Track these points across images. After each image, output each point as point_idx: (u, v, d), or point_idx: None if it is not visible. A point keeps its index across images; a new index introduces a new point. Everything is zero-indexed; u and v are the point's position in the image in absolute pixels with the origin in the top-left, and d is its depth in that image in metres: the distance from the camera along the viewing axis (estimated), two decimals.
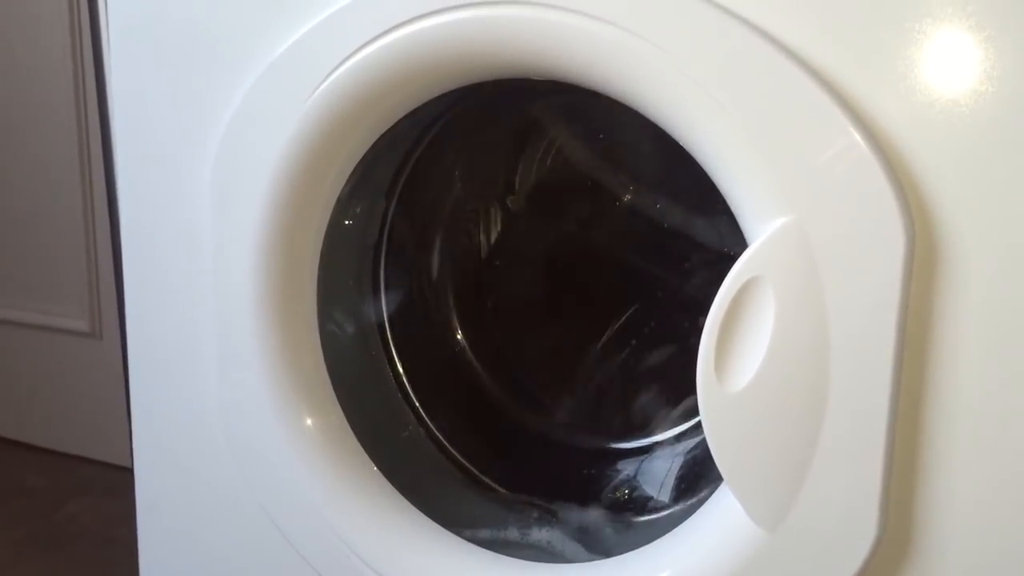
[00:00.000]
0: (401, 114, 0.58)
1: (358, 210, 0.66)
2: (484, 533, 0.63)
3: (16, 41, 1.27)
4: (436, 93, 0.57)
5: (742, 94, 0.46)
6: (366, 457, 0.64)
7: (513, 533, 0.63)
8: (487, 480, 0.69)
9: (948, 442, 0.46)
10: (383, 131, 0.59)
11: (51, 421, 1.38)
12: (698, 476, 0.61)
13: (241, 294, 0.62)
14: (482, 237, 0.80)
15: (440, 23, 0.52)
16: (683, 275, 0.72)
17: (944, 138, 0.44)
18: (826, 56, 0.45)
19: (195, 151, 0.63)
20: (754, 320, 0.47)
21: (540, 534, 0.63)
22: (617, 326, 0.77)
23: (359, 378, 0.68)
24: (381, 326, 0.71)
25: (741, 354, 0.47)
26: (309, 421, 0.63)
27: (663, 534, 0.55)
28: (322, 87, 0.56)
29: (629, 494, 0.66)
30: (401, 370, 0.72)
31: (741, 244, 0.48)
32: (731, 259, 0.47)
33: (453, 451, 0.71)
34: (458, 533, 0.62)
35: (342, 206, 0.62)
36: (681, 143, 0.50)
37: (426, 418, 0.72)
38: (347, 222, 0.65)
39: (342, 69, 0.55)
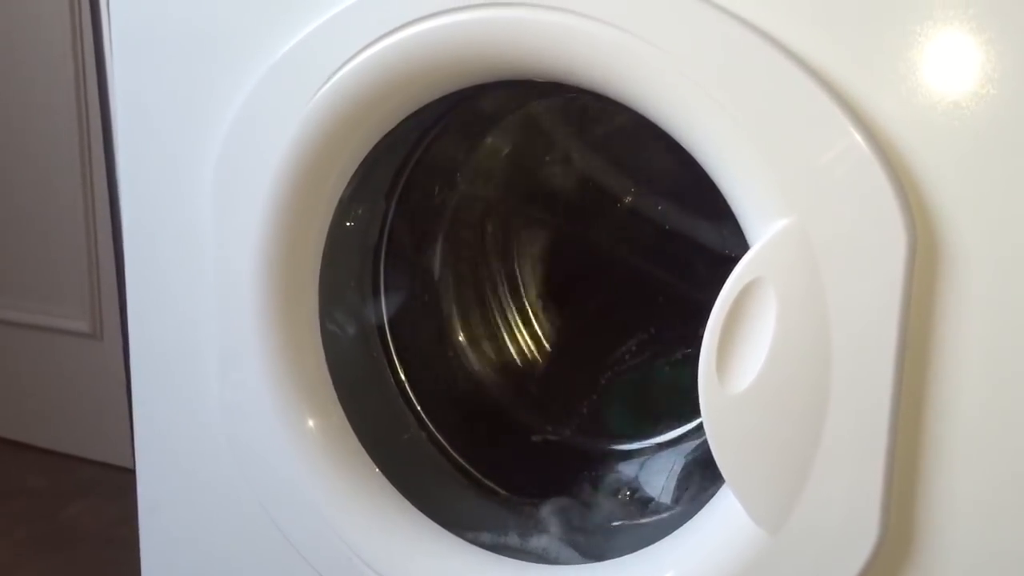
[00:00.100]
0: (403, 116, 0.59)
1: (359, 211, 0.66)
2: (485, 534, 0.63)
3: (17, 41, 1.27)
4: (437, 95, 0.57)
5: (743, 95, 0.46)
6: (367, 458, 0.64)
7: (514, 535, 0.63)
8: (488, 482, 0.69)
9: (950, 443, 0.46)
10: (385, 133, 0.59)
11: (51, 422, 1.38)
12: (700, 477, 0.61)
13: (243, 295, 0.62)
14: (483, 238, 0.80)
15: (441, 25, 0.52)
16: (685, 276, 0.72)
17: (945, 139, 0.44)
18: (827, 57, 0.45)
19: (197, 152, 0.63)
20: (756, 321, 0.47)
21: (541, 535, 0.63)
22: (619, 327, 0.77)
23: (360, 379, 0.68)
24: (382, 327, 0.71)
25: (743, 355, 0.47)
26: (310, 422, 0.63)
27: (664, 535, 0.55)
28: (324, 89, 0.56)
29: (630, 495, 0.66)
30: (402, 371, 0.72)
31: (743, 246, 0.48)
32: (732, 261, 0.47)
33: (454, 453, 0.71)
34: (459, 534, 0.62)
35: (343, 207, 0.62)
36: (682, 144, 0.50)
37: (427, 420, 0.72)
38: (348, 223, 0.65)
39: (344, 71, 0.55)
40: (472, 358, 0.78)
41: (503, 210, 0.79)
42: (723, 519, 0.51)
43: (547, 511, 0.66)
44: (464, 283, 0.79)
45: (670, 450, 0.69)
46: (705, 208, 0.70)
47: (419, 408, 0.72)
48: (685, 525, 0.55)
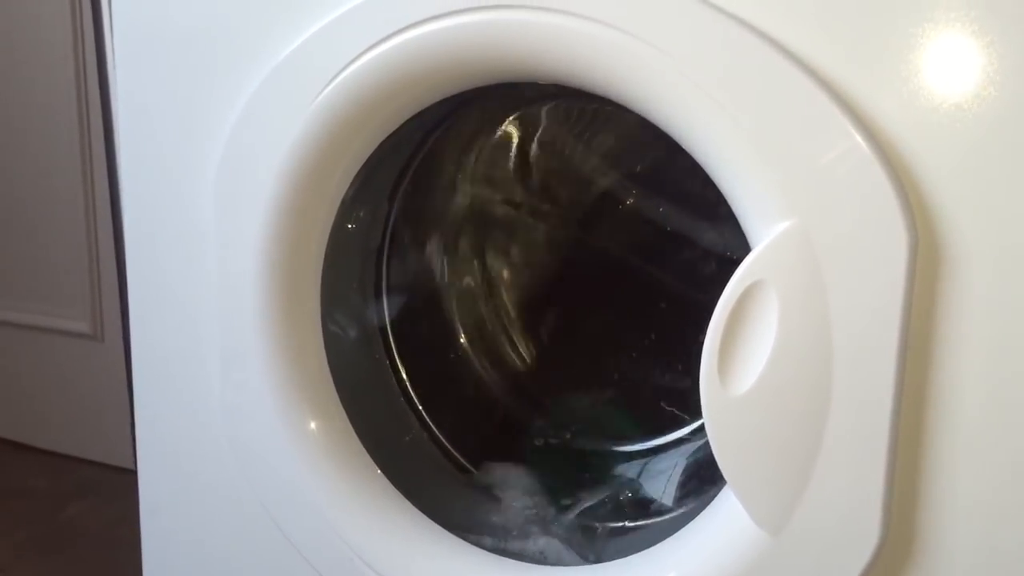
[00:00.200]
0: (405, 117, 0.59)
1: (361, 213, 0.66)
2: (486, 536, 0.63)
3: (18, 41, 1.27)
4: (439, 97, 0.57)
5: (744, 97, 0.46)
6: (368, 459, 0.64)
7: (516, 536, 0.63)
8: (489, 483, 0.69)
9: (951, 443, 0.46)
10: (387, 134, 0.59)
11: (52, 423, 1.38)
12: (701, 479, 0.61)
13: (244, 296, 0.62)
14: (484, 240, 0.80)
15: (444, 27, 0.52)
16: (686, 278, 0.72)
17: (946, 140, 0.44)
18: (828, 59, 0.45)
19: (199, 153, 0.63)
20: (757, 323, 0.47)
21: (543, 537, 0.63)
22: (620, 329, 0.77)
23: (362, 381, 0.68)
24: (384, 329, 0.71)
25: (744, 357, 0.47)
26: (312, 423, 0.63)
27: (666, 537, 0.55)
28: (327, 90, 0.56)
29: (632, 497, 0.66)
30: (404, 373, 0.72)
31: (744, 247, 0.48)
32: (734, 263, 0.47)
33: (456, 454, 0.71)
34: (461, 536, 0.62)
35: (345, 209, 0.63)
36: (684, 146, 0.50)
37: (429, 421, 0.72)
38: (350, 225, 0.65)
39: (346, 73, 0.55)
40: (474, 360, 0.78)
41: (505, 212, 0.79)
42: (725, 521, 0.51)
43: (548, 512, 0.66)
44: (466, 285, 0.79)
45: (671, 452, 0.69)
46: (706, 210, 0.70)
47: (421, 409, 0.72)
48: (686, 527, 0.55)
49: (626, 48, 0.48)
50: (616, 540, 0.62)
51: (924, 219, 0.45)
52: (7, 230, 1.35)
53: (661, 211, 0.74)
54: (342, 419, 0.64)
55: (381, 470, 0.64)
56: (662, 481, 0.66)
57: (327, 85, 0.56)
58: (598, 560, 0.59)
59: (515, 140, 0.76)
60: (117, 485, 1.28)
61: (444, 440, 0.71)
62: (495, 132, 0.74)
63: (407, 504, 0.63)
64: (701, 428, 0.61)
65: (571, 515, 0.65)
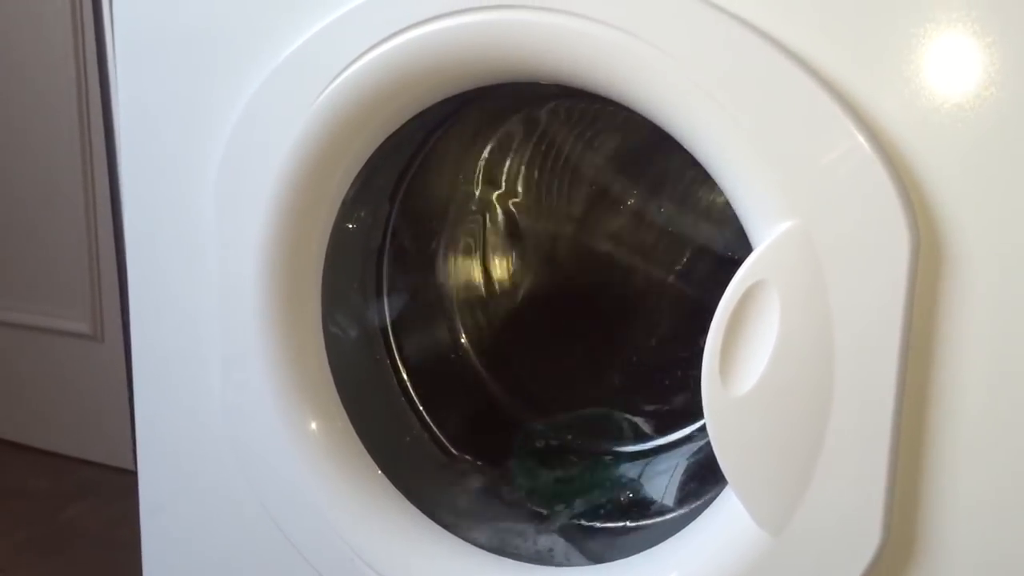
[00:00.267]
0: (406, 117, 0.59)
1: (362, 214, 0.66)
2: (487, 536, 0.63)
3: (18, 41, 1.27)
4: (440, 97, 0.57)
5: (746, 97, 0.46)
6: (370, 460, 0.64)
7: (516, 536, 0.63)
8: (490, 483, 0.69)
9: (953, 444, 0.46)
10: (388, 135, 0.59)
11: (52, 423, 1.38)
12: (702, 479, 0.61)
13: (245, 297, 0.62)
14: (485, 241, 0.80)
15: (445, 27, 0.52)
16: (688, 277, 0.72)
17: (948, 140, 0.44)
18: (830, 59, 0.45)
19: (200, 153, 0.63)
20: (759, 324, 0.47)
21: (543, 537, 0.63)
22: (622, 329, 0.77)
23: (363, 381, 0.68)
24: (384, 329, 0.71)
25: (746, 357, 0.47)
26: (313, 424, 0.63)
27: (667, 538, 0.55)
28: (327, 91, 0.56)
29: (633, 497, 0.66)
30: (404, 373, 0.72)
31: (745, 247, 0.48)
32: (736, 263, 0.47)
33: (456, 454, 0.71)
34: (461, 536, 0.62)
35: (346, 209, 0.63)
36: (685, 147, 0.50)
37: (429, 421, 0.72)
38: (351, 225, 0.65)
39: (347, 73, 0.55)
40: (474, 360, 0.78)
41: (505, 212, 0.79)
42: (726, 521, 0.51)
43: (549, 513, 0.66)
44: (467, 285, 0.79)
45: (672, 452, 0.69)
46: (708, 210, 0.70)
47: (421, 409, 0.72)
48: (688, 527, 0.55)
49: (628, 48, 0.48)
50: (617, 540, 0.62)
51: (926, 219, 0.45)
52: (7, 230, 1.35)
53: (662, 211, 0.74)
54: (343, 419, 0.64)
55: (381, 470, 0.64)
56: (663, 481, 0.66)
57: (328, 85, 0.56)
58: (599, 560, 0.59)
59: (516, 140, 0.76)
60: (117, 486, 1.28)
61: (444, 440, 0.71)
62: (496, 132, 0.74)
63: (407, 504, 0.63)
64: (702, 428, 0.61)
65: (572, 516, 0.65)
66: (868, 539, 0.47)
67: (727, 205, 0.49)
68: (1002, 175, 0.44)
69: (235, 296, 0.62)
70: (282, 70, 0.58)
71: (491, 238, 0.80)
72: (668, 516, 0.62)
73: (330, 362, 0.64)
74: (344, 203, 0.62)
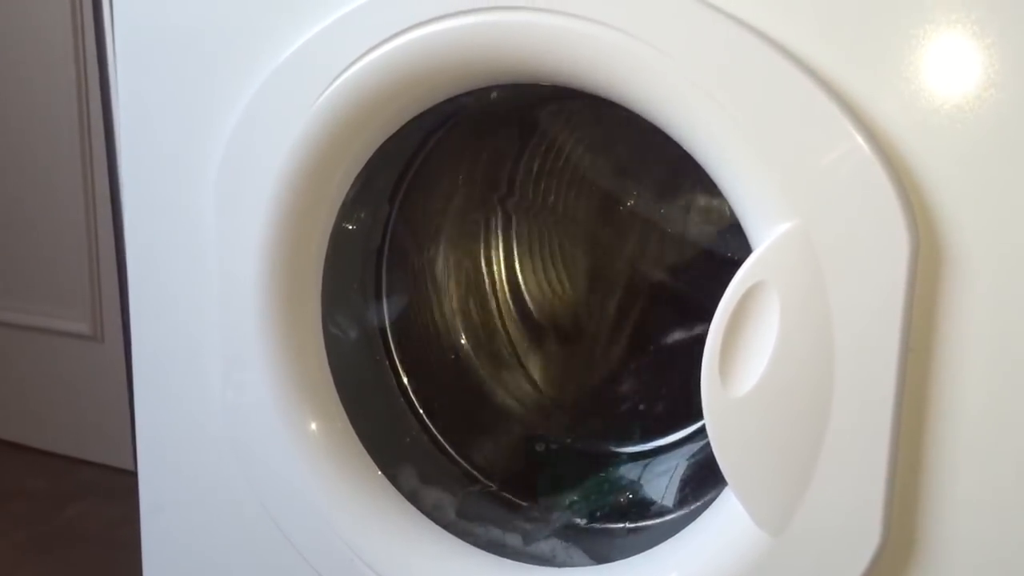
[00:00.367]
0: (406, 119, 0.59)
1: (362, 215, 0.66)
2: (487, 537, 0.63)
3: (18, 42, 1.28)
4: (441, 98, 0.57)
5: (745, 98, 0.46)
6: (370, 460, 0.64)
7: (516, 537, 0.63)
8: (490, 484, 0.69)
9: (953, 444, 0.46)
10: (388, 136, 0.59)
11: (51, 424, 1.38)
12: (702, 480, 0.61)
13: (245, 297, 0.62)
14: (485, 242, 0.80)
15: (445, 29, 0.52)
16: (688, 278, 0.72)
17: (947, 141, 0.44)
18: (829, 60, 0.46)
19: (200, 154, 0.63)
20: (758, 324, 0.47)
21: (543, 537, 0.63)
22: (622, 330, 0.77)
23: (362, 382, 0.68)
24: (384, 330, 0.71)
25: (745, 358, 0.47)
26: (313, 424, 0.63)
27: (667, 538, 0.55)
28: (327, 92, 0.56)
29: (633, 498, 0.66)
30: (404, 374, 0.72)
31: (745, 248, 0.48)
32: (736, 264, 0.47)
33: (456, 455, 0.71)
34: (461, 536, 0.62)
35: (346, 210, 0.63)
36: (685, 147, 0.50)
37: (429, 422, 0.72)
38: (350, 226, 0.65)
39: (347, 74, 0.55)
40: (474, 361, 0.78)
41: (505, 214, 0.79)
42: (726, 522, 0.51)
43: (549, 513, 0.66)
44: (466, 286, 0.79)
45: (672, 453, 0.69)
46: (708, 211, 0.70)
47: (421, 411, 0.72)
48: (687, 528, 0.55)
49: (627, 49, 0.48)
50: (617, 541, 0.62)
51: (925, 220, 0.45)
52: (7, 230, 1.35)
53: (662, 212, 0.74)
54: (343, 420, 0.64)
55: (382, 471, 0.64)
56: (663, 482, 0.66)
57: (328, 86, 0.56)
58: (599, 561, 0.59)
59: (516, 142, 0.76)
60: (117, 486, 1.28)
61: (444, 441, 0.71)
62: (496, 133, 0.74)
63: (407, 505, 0.63)
64: (702, 429, 0.61)
65: (572, 516, 0.65)
66: (868, 539, 0.47)
67: (727, 206, 0.49)
68: (1002, 176, 0.44)
69: (235, 296, 0.62)
70: (282, 71, 0.58)
71: (491, 239, 0.80)
72: (667, 517, 0.62)
73: (330, 363, 0.64)
74: (344, 204, 0.62)
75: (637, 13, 0.48)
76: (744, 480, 0.49)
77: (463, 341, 0.78)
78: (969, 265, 0.45)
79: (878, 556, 0.47)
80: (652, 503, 0.65)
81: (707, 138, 0.48)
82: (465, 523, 0.64)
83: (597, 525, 0.64)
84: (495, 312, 0.80)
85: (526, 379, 0.79)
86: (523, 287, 0.81)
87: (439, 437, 0.71)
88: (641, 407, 0.74)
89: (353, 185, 0.61)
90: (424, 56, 0.54)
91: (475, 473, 0.70)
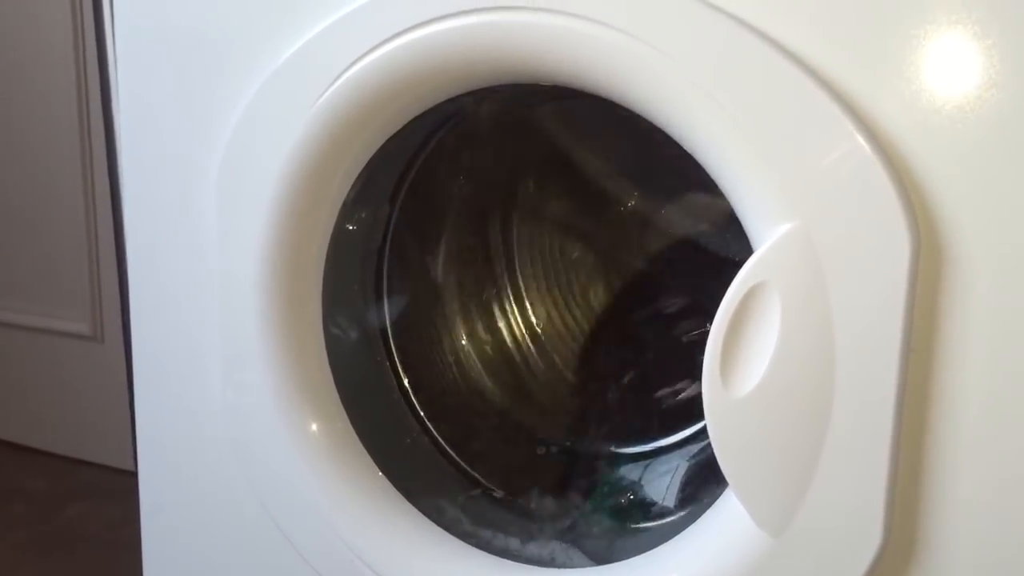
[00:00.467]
0: (407, 119, 0.59)
1: (362, 215, 0.66)
2: (488, 538, 0.63)
3: (18, 41, 1.28)
4: (442, 98, 0.57)
5: (746, 98, 0.46)
6: (370, 461, 0.64)
7: (516, 538, 0.63)
8: (490, 485, 0.69)
9: (954, 445, 0.46)
10: (389, 136, 0.59)
11: (51, 424, 1.38)
12: (703, 481, 0.61)
13: (246, 298, 0.62)
14: (486, 243, 0.80)
15: (445, 29, 0.52)
16: (688, 279, 0.72)
17: (948, 141, 0.44)
18: (830, 60, 0.45)
19: (200, 154, 0.63)
20: (759, 325, 0.47)
21: (543, 539, 0.63)
22: (622, 331, 0.77)
23: (363, 383, 0.68)
24: (385, 331, 0.71)
25: (746, 359, 0.47)
26: (313, 425, 0.63)
27: (667, 539, 0.55)
28: (328, 92, 0.56)
29: (634, 499, 0.66)
30: (404, 375, 0.72)
31: (746, 249, 0.48)
32: (737, 265, 0.47)
33: (456, 456, 0.71)
34: (461, 538, 0.62)
35: (347, 211, 0.63)
36: (685, 148, 0.50)
37: (429, 424, 0.72)
38: (350, 227, 0.65)
39: (348, 74, 0.55)
40: (475, 362, 0.78)
41: (506, 214, 0.79)
42: (726, 522, 0.51)
43: (549, 515, 0.66)
44: (467, 287, 0.79)
45: (673, 453, 0.69)
46: (708, 212, 0.70)
47: (421, 412, 0.72)
48: (688, 529, 0.55)
49: (627, 49, 0.48)
50: (618, 542, 0.62)
51: (926, 220, 0.45)
52: (7, 230, 1.35)
53: (663, 213, 0.74)
54: (343, 420, 0.64)
55: (382, 471, 0.64)
56: (664, 483, 0.66)
57: (329, 86, 0.56)
58: (600, 563, 0.59)
59: (516, 142, 0.76)
60: (116, 486, 1.28)
61: (444, 443, 0.71)
62: (497, 134, 0.74)
63: (408, 506, 0.63)
64: (703, 430, 0.61)
65: (573, 517, 0.65)
66: (869, 540, 0.47)
67: (727, 206, 0.49)
68: (1003, 176, 0.44)
69: (236, 297, 0.62)
70: (283, 71, 0.58)
71: (492, 240, 0.80)
72: (668, 518, 0.62)
73: (331, 363, 0.64)
74: (345, 204, 0.62)
75: (637, 13, 0.48)
76: (745, 481, 0.49)
77: (463, 342, 0.78)
78: (970, 265, 0.45)
79: (879, 557, 0.47)
80: (653, 504, 0.65)
81: (707, 138, 0.48)
82: (465, 524, 0.64)
83: (597, 526, 0.64)
84: (495, 313, 0.80)
85: (526, 380, 0.79)
86: (524, 287, 0.81)
87: (439, 438, 0.71)
88: (642, 407, 0.74)
89: (354, 185, 0.61)
90: (425, 56, 0.54)
91: (475, 474, 0.70)
